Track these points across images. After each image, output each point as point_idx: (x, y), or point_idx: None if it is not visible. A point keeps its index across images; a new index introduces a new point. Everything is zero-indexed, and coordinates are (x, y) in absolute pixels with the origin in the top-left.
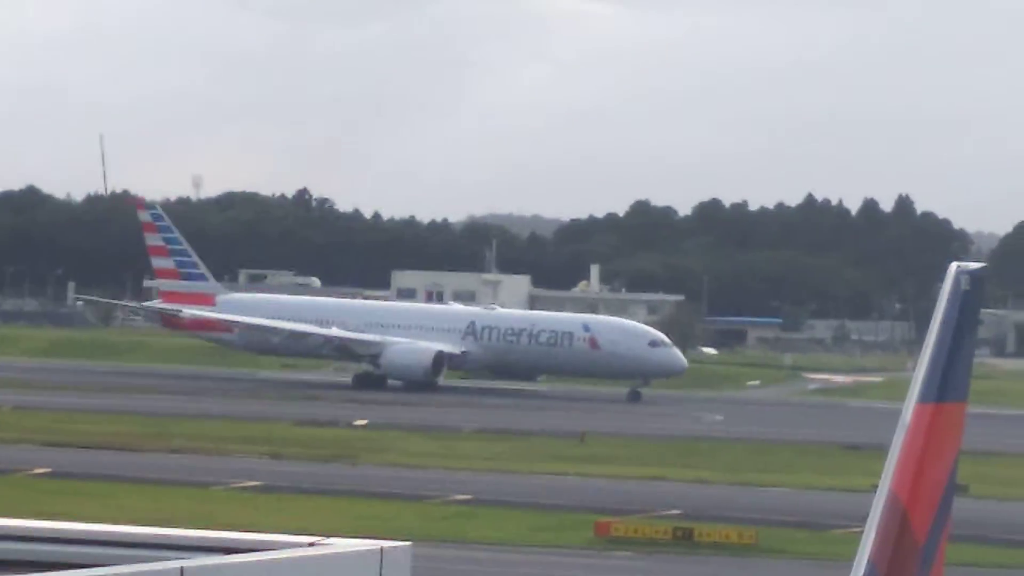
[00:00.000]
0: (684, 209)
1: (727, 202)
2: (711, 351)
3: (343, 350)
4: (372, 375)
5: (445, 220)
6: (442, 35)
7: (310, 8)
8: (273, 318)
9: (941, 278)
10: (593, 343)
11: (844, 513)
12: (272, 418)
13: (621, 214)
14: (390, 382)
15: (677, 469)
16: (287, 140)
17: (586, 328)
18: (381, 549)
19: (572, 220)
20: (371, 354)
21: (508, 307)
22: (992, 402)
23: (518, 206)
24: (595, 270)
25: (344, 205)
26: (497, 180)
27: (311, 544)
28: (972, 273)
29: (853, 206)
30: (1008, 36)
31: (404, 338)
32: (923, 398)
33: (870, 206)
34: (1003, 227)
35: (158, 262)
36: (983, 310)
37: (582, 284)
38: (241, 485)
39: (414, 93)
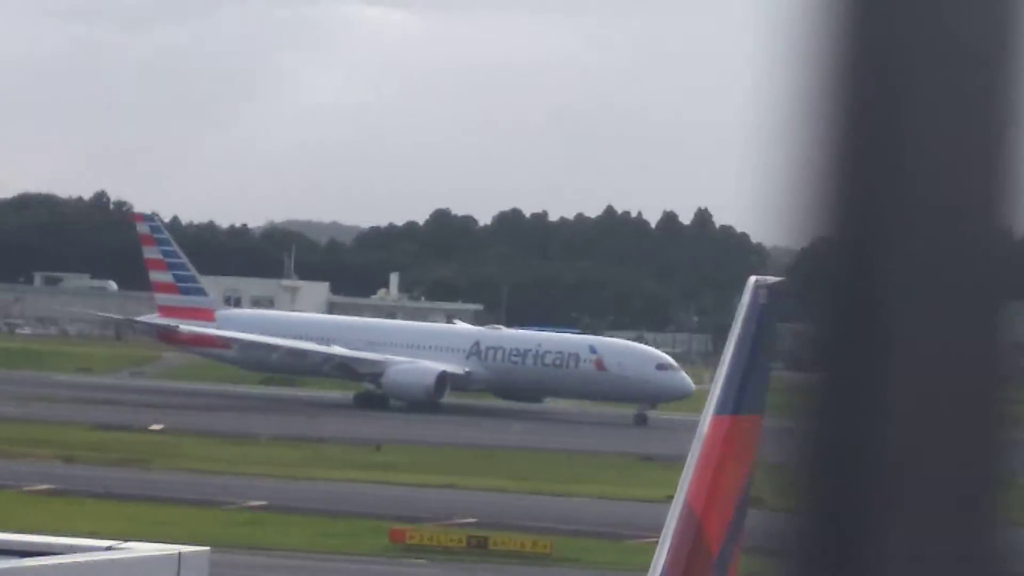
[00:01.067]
0: (484, 219)
1: (527, 212)
2: None
3: (344, 369)
4: (373, 395)
5: (244, 226)
6: (244, 41)
7: (112, 12)
8: (273, 335)
9: (739, 291)
10: (600, 365)
11: (640, 523)
12: (67, 421)
13: (421, 222)
14: (392, 402)
15: (473, 478)
16: (85, 143)
17: (592, 350)
18: (179, 554)
19: (371, 228)
20: (373, 373)
21: (307, 313)
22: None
23: (317, 213)
24: (395, 278)
25: (142, 209)
26: (296, 187)
27: (109, 548)
28: (770, 287)
29: (652, 218)
30: None
31: (407, 357)
32: (720, 410)
33: (669, 218)
34: (800, 241)
35: (156, 276)
36: (780, 324)
37: (381, 292)
38: (33, 489)
39: (214, 99)
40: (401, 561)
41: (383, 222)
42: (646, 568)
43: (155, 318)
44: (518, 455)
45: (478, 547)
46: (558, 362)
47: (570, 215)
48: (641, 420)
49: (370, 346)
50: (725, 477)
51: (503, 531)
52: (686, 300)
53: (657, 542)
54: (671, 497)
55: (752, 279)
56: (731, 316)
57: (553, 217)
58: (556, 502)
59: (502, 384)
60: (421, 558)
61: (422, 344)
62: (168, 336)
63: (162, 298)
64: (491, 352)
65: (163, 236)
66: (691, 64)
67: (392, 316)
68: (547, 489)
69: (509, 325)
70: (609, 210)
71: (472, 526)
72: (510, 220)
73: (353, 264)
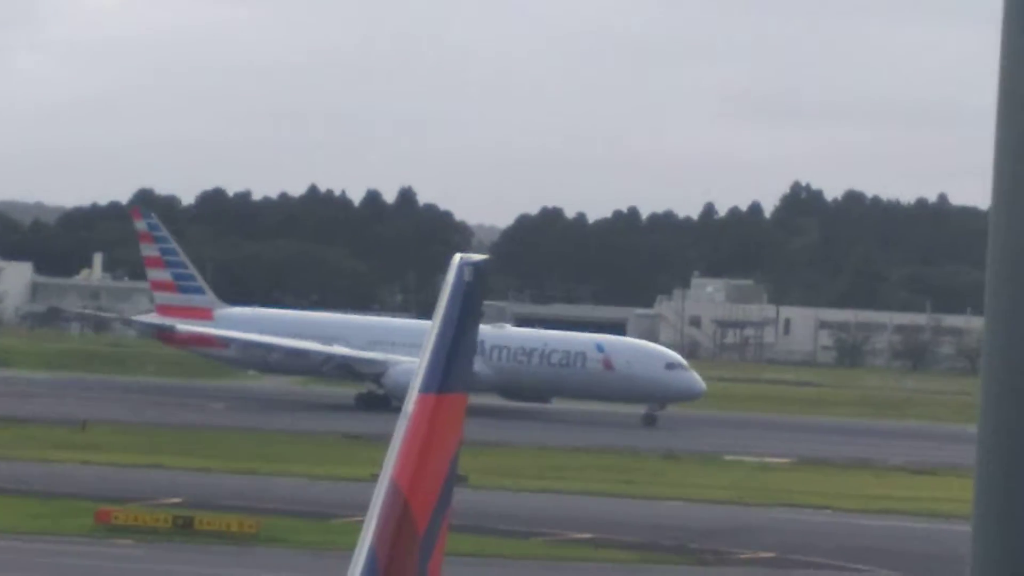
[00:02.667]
0: (188, 198)
1: (231, 191)
2: None
3: (345, 369)
4: (375, 395)
5: None
6: None
7: None
8: (273, 334)
9: (444, 270)
10: (607, 364)
11: (346, 502)
12: None
13: (124, 202)
14: (394, 403)
15: (179, 457)
16: None
17: (600, 348)
18: None
19: (75, 207)
20: (374, 373)
21: (12, 294)
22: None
23: (20, 192)
24: (98, 258)
25: None
26: None
27: None
28: (475, 265)
29: (356, 197)
30: (517, 34)
31: (410, 357)
32: (426, 388)
33: (373, 197)
34: (504, 220)
35: (154, 274)
36: (485, 302)
37: (84, 271)
38: None
39: None
40: (106, 542)
41: (87, 202)
42: (353, 547)
43: (153, 317)
44: (227, 435)
45: (184, 527)
46: (565, 361)
47: (273, 194)
48: (650, 421)
49: (372, 345)
50: (431, 456)
51: (210, 511)
52: (390, 279)
53: (363, 521)
54: (376, 476)
55: (457, 257)
56: (435, 295)
57: (256, 196)
58: (264, 482)
59: (508, 384)
60: (127, 539)
61: (423, 343)
62: (165, 336)
63: (160, 296)
64: (496, 351)
65: (161, 233)
66: (400, 53)
67: (96, 296)
68: (257, 469)
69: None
70: (312, 189)
71: (178, 506)
72: (213, 199)
73: (57, 244)
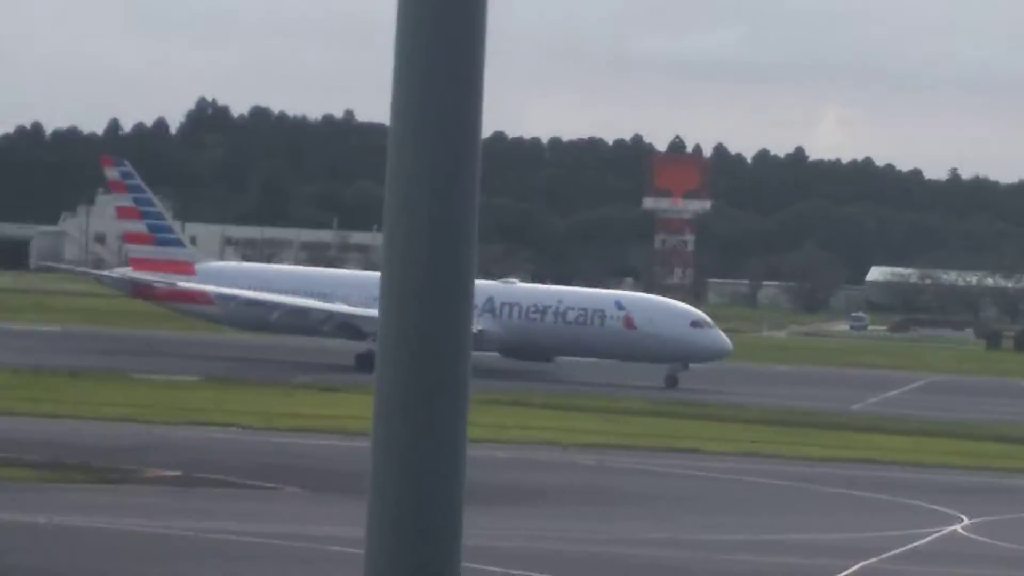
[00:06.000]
0: None
1: None
2: None
3: (347, 328)
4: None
5: None
6: None
7: None
8: (261, 289)
9: None
10: (628, 322)
11: None
12: None
13: None
14: None
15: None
16: None
17: (620, 306)
18: None
19: None
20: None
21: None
22: None
23: None
24: None
25: None
26: None
27: None
28: None
29: None
30: None
31: None
32: None
33: None
34: None
35: (128, 225)
36: None
37: None
38: None
39: None
40: None
41: None
42: None
43: (128, 272)
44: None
45: None
46: (581, 319)
47: None
48: (672, 382)
49: (373, 302)
50: None
51: None
52: None
53: None
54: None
55: None
56: None
57: None
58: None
59: (519, 344)
60: None
61: None
62: (142, 291)
63: (135, 249)
64: (506, 309)
65: (135, 182)
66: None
67: None
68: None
69: None
70: None
71: None
72: None
73: None
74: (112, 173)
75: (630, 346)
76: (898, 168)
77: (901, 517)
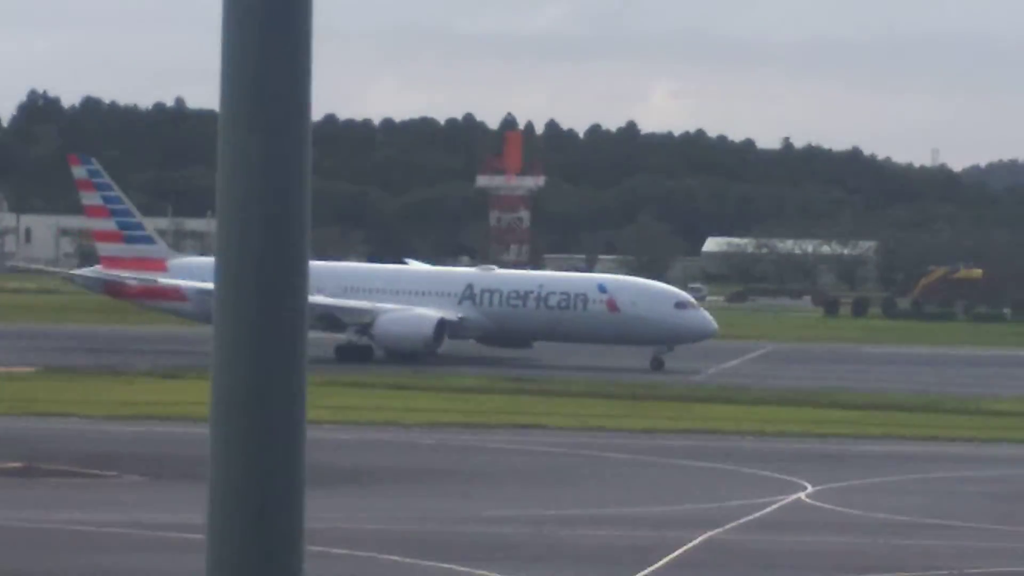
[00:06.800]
0: None
1: None
2: None
3: (328, 320)
4: (355, 345)
5: None
6: None
7: None
8: None
9: None
10: (612, 306)
11: None
12: None
13: None
14: (378, 353)
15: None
16: None
17: (602, 289)
18: None
19: None
20: (360, 323)
21: None
22: None
23: None
24: None
25: None
26: None
27: None
28: None
29: None
30: None
31: (394, 304)
32: None
33: None
34: None
35: (97, 224)
36: None
37: None
38: None
39: None
40: None
41: None
42: None
43: (98, 271)
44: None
45: None
46: (564, 304)
47: None
48: (658, 365)
49: (347, 292)
50: None
51: None
52: None
53: None
54: None
55: None
56: None
57: None
58: None
59: (500, 330)
60: None
61: (405, 289)
62: (114, 288)
63: (105, 248)
64: (487, 295)
65: (103, 180)
66: None
67: None
68: None
69: None
70: None
71: None
72: None
73: None
74: (79, 171)
75: (614, 330)
76: (730, 139)
77: (745, 487)
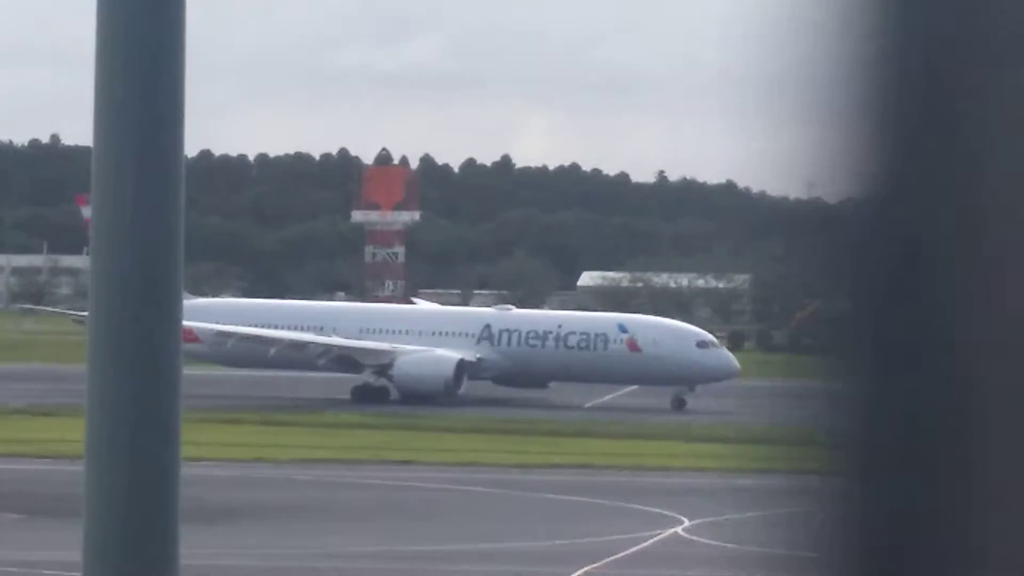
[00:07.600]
0: None
1: None
2: None
3: (345, 361)
4: (371, 387)
5: None
6: None
7: None
8: (253, 325)
9: None
10: (632, 345)
11: None
12: None
13: None
14: (394, 395)
15: None
16: None
17: (623, 328)
18: None
19: None
20: (379, 364)
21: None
22: None
23: None
24: None
25: None
26: None
27: None
28: None
29: None
30: None
31: (415, 346)
32: None
33: None
34: None
35: None
36: None
37: None
38: None
39: None
40: None
41: None
42: None
43: None
44: None
45: None
46: (584, 344)
47: None
48: (679, 404)
49: (362, 333)
50: None
51: None
52: None
53: None
54: None
55: None
56: None
57: None
58: None
59: (519, 371)
60: None
61: (422, 330)
62: None
63: None
64: (505, 335)
65: None
66: None
67: None
68: None
69: None
70: None
71: None
72: None
73: None
74: (88, 212)
75: (635, 370)
76: (605, 172)
77: (621, 521)
